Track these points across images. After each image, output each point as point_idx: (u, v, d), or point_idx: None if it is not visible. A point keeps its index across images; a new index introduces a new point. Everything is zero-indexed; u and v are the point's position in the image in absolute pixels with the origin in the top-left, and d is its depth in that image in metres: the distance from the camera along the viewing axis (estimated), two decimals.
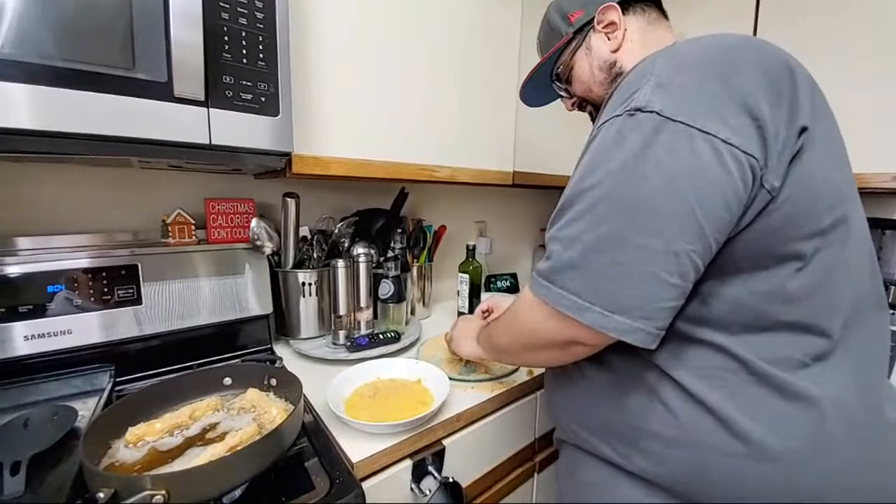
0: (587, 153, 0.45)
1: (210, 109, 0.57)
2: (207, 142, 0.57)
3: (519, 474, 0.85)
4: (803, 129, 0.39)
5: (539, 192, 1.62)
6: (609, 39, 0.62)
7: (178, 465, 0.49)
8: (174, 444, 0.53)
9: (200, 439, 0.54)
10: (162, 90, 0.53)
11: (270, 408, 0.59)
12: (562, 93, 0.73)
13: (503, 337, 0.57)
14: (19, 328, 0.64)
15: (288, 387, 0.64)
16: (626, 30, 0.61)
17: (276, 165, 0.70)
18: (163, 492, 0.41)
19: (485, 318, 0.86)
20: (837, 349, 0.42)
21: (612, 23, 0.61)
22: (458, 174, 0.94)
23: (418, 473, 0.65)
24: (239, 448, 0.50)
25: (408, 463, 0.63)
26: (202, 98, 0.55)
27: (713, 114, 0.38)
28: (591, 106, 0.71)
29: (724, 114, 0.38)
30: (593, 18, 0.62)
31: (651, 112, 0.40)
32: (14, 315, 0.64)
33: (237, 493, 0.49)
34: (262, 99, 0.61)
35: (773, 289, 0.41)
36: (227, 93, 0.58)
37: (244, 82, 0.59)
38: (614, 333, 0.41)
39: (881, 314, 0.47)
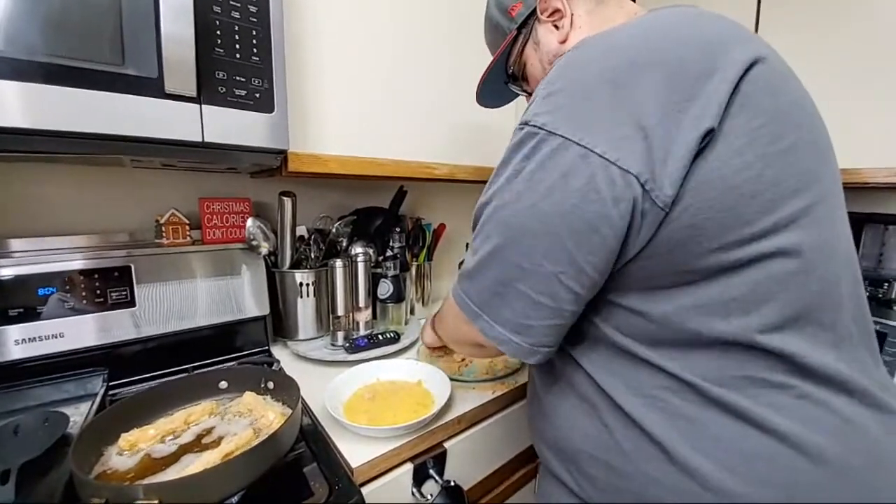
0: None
1: (202, 106, 0.55)
2: (200, 139, 0.56)
3: (521, 476, 0.84)
4: (709, 131, 0.34)
5: None
6: (557, 29, 0.54)
7: (173, 473, 0.48)
8: (168, 451, 0.51)
9: (196, 445, 0.53)
10: (153, 86, 0.52)
11: (267, 412, 0.57)
12: (520, 92, 0.68)
13: (441, 329, 0.60)
14: (10, 331, 0.63)
15: (285, 390, 0.62)
16: (572, 15, 0.53)
17: (272, 164, 0.69)
18: (156, 501, 0.39)
19: None
20: (800, 371, 0.36)
21: (557, 10, 0.53)
22: (458, 171, 0.93)
23: (419, 477, 0.63)
24: (234, 454, 0.49)
25: (408, 467, 0.62)
26: (194, 94, 0.54)
27: (595, 124, 0.36)
28: None
29: (608, 124, 0.36)
30: (535, 9, 0.55)
31: (534, 126, 0.39)
32: (4, 318, 0.62)
33: (234, 500, 0.47)
34: (257, 95, 0.60)
35: (704, 303, 0.37)
36: (220, 89, 0.57)
37: (238, 78, 0.58)
38: (494, 342, 0.43)
39: (861, 327, 0.41)
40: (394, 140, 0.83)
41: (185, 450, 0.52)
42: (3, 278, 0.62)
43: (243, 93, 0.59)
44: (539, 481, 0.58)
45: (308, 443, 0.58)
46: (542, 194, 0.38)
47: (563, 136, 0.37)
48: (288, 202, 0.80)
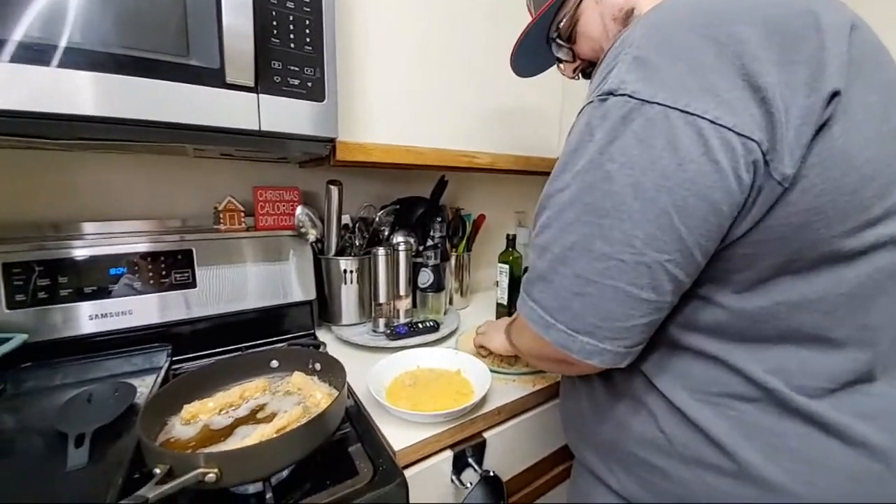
0: (565, 145, 0.40)
1: (259, 95, 0.57)
2: (257, 128, 0.58)
3: (560, 472, 0.83)
4: (834, 94, 0.30)
5: None
6: None
7: (229, 444, 0.50)
8: (225, 423, 0.54)
9: (250, 419, 0.55)
10: (214, 77, 0.54)
11: (315, 392, 0.59)
12: (562, 55, 0.59)
13: (520, 343, 0.52)
14: (86, 308, 0.68)
15: (331, 372, 0.64)
16: None
17: (321, 152, 0.70)
18: (215, 470, 0.41)
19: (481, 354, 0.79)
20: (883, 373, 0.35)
21: None
22: (499, 161, 0.91)
23: (459, 465, 0.64)
24: (287, 429, 0.51)
25: (448, 454, 0.62)
26: (252, 84, 0.56)
27: (701, 88, 0.31)
28: None
29: (717, 86, 0.31)
30: None
31: (623, 95, 0.33)
32: (80, 295, 0.68)
33: (284, 474, 0.49)
34: (309, 84, 0.61)
35: (809, 298, 0.34)
36: (275, 78, 0.58)
37: (292, 67, 0.59)
38: (578, 355, 0.37)
39: None
40: (435, 129, 0.83)
41: (239, 423, 0.54)
42: (79, 258, 0.68)
43: (297, 82, 0.60)
44: (574, 479, 0.56)
45: (353, 424, 0.59)
46: (643, 170, 0.32)
47: (662, 104, 0.32)
48: (335, 190, 0.82)
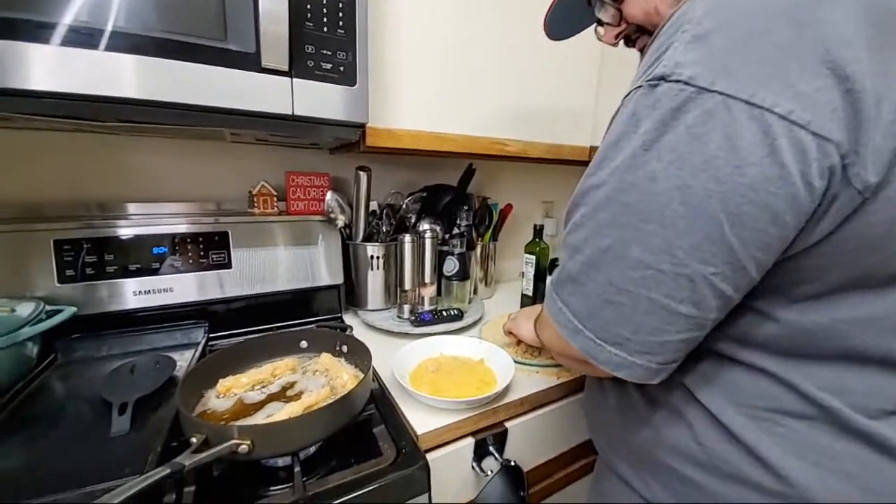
0: (606, 135, 0.36)
1: (293, 79, 0.58)
2: (290, 112, 0.59)
3: (582, 466, 0.82)
4: None
5: None
6: None
7: (260, 418, 0.52)
8: (258, 398, 0.56)
9: (281, 396, 0.57)
10: (250, 61, 0.55)
11: (342, 373, 0.61)
12: (606, 16, 0.51)
13: (543, 336, 0.50)
14: (130, 284, 0.72)
15: (358, 354, 0.65)
16: None
17: (352, 137, 0.71)
18: (248, 442, 0.43)
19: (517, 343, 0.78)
20: None
21: None
22: (530, 149, 0.89)
23: (480, 453, 0.64)
24: (314, 407, 0.52)
25: (470, 441, 0.63)
26: (286, 68, 0.56)
27: (773, 76, 0.26)
28: (645, 38, 0.50)
29: (792, 74, 0.26)
30: None
31: (677, 82, 0.28)
32: (126, 272, 0.72)
33: (311, 450, 0.51)
34: (341, 68, 0.61)
35: (880, 316, 0.30)
36: (308, 63, 0.59)
37: (324, 52, 0.60)
38: (605, 366, 0.34)
39: None
40: (465, 117, 0.82)
41: (271, 398, 0.56)
42: (124, 237, 0.72)
43: (329, 66, 0.60)
44: (597, 480, 0.54)
45: (377, 406, 0.60)
46: (694, 171, 0.28)
47: (723, 93, 0.27)
48: (364, 176, 0.83)
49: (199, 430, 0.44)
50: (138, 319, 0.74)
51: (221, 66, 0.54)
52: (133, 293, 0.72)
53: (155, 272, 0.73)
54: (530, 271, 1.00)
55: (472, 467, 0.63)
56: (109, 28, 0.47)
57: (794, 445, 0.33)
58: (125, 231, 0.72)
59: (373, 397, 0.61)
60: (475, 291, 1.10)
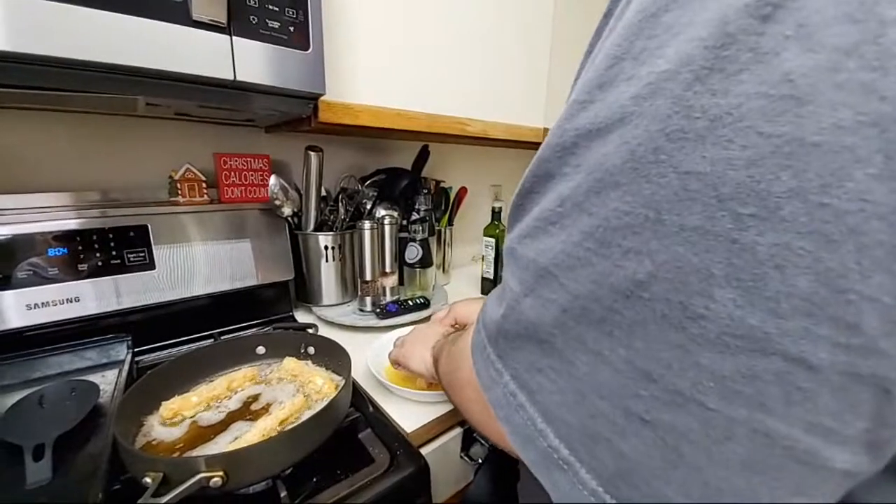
0: (604, 34, 0.19)
1: (233, 38, 0.49)
2: (232, 77, 0.49)
3: None
4: None
5: None
6: None
7: (225, 442, 0.44)
8: (217, 418, 0.48)
9: (245, 413, 0.49)
10: (175, 11, 0.45)
11: (314, 377, 0.54)
12: None
13: (456, 392, 0.35)
14: (16, 297, 0.57)
15: (328, 355, 0.59)
16: None
17: (302, 112, 0.62)
18: (220, 473, 0.36)
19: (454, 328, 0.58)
20: None
21: None
22: (490, 129, 0.87)
23: (467, 442, 0.62)
24: (291, 420, 0.46)
25: (458, 431, 0.60)
26: (224, 22, 0.47)
27: None
28: None
29: None
30: None
31: None
32: (7, 283, 0.56)
33: (288, 470, 0.44)
34: (291, 28, 0.53)
35: None
36: (251, 18, 0.49)
37: (270, 6, 0.51)
38: None
39: None
40: (425, 92, 0.77)
41: (233, 417, 0.48)
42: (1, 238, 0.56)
43: (276, 25, 0.51)
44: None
45: (357, 408, 0.55)
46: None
47: None
48: (315, 158, 0.74)
49: (152, 468, 0.36)
50: (36, 339, 0.59)
51: (136, 14, 0.42)
52: (26, 307, 0.57)
53: (53, 279, 0.59)
54: (490, 254, 0.99)
55: (461, 457, 0.61)
56: None
57: None
58: (1, 230, 0.56)
59: (351, 400, 0.55)
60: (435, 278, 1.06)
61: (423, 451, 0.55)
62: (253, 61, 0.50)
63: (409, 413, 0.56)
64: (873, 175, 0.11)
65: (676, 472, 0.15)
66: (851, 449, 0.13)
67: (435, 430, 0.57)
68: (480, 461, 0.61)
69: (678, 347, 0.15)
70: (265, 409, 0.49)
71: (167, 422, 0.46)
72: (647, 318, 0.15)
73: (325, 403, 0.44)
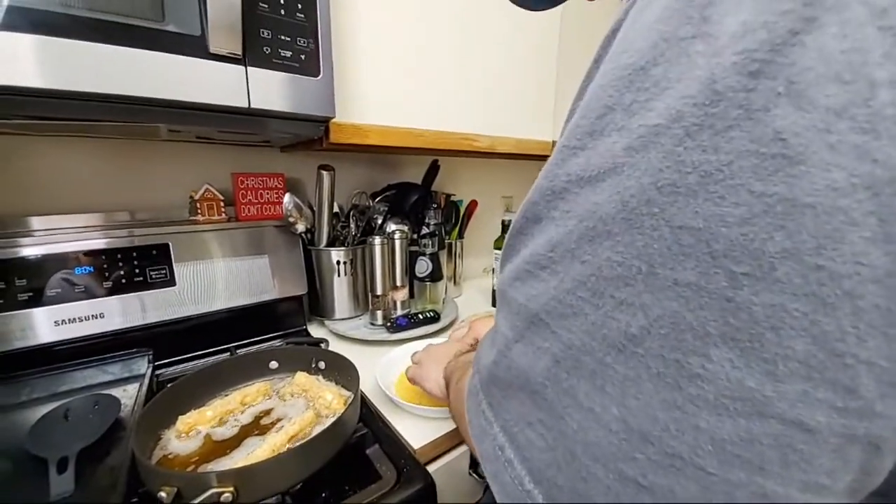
0: (596, 68, 0.18)
1: (248, 68, 0.51)
2: (247, 105, 0.52)
3: None
4: None
5: None
6: None
7: (238, 456, 0.46)
8: (230, 433, 0.49)
9: (256, 427, 0.50)
10: (195, 45, 0.47)
11: (324, 392, 0.55)
12: None
13: (460, 421, 0.34)
14: (46, 313, 0.60)
15: (337, 369, 0.60)
16: None
17: (314, 134, 0.64)
18: (231, 489, 0.37)
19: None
20: None
21: None
22: (498, 144, 0.88)
23: (475, 459, 0.62)
24: (300, 436, 0.47)
25: (466, 448, 0.60)
26: (239, 54, 0.50)
27: None
28: None
29: None
30: None
31: None
32: (38, 300, 0.59)
33: (297, 485, 0.45)
34: (302, 56, 0.55)
35: None
36: (264, 49, 0.52)
37: (283, 37, 0.53)
38: None
39: None
40: (433, 110, 0.78)
41: (246, 432, 0.49)
42: (32, 258, 0.59)
43: (288, 54, 0.54)
44: None
45: (366, 423, 0.56)
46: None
47: None
48: (327, 176, 0.76)
49: (167, 482, 0.37)
50: (63, 354, 0.62)
51: (159, 50, 0.45)
52: (54, 323, 0.60)
53: (80, 297, 0.62)
54: (500, 267, 0.99)
55: (470, 474, 0.61)
56: (5, 1, 0.38)
57: None
58: (36, 250, 0.59)
59: (360, 415, 0.56)
60: (445, 291, 1.07)
61: (431, 467, 0.55)
62: (266, 89, 0.53)
63: (418, 429, 0.56)
64: (868, 238, 0.12)
65: None
66: (837, 498, 0.14)
67: (443, 446, 0.57)
68: None
69: (676, 408, 0.14)
70: (275, 424, 0.51)
71: (183, 435, 0.48)
72: (641, 374, 0.15)
73: (334, 419, 0.45)
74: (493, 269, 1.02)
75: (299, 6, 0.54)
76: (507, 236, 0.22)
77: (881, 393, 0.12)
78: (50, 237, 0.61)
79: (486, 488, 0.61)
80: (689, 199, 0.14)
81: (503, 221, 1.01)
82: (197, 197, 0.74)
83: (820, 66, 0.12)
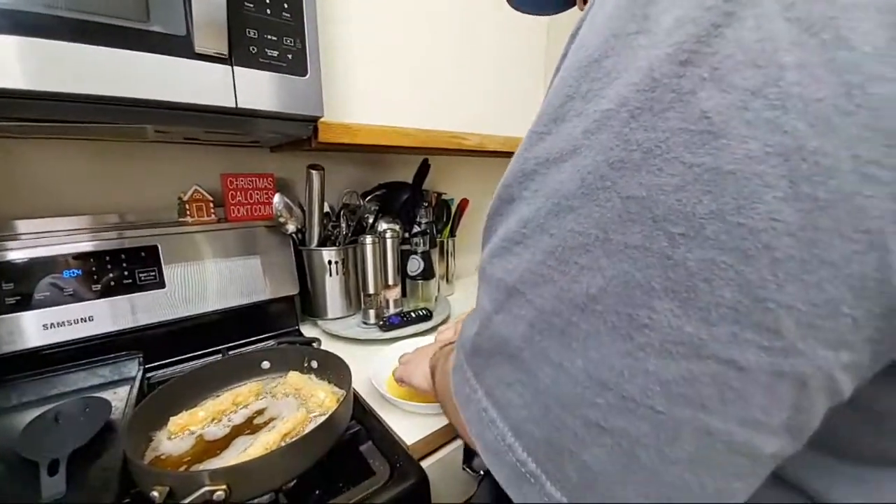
0: (563, 61, 0.20)
1: (234, 67, 0.51)
2: (233, 105, 0.52)
3: None
4: None
5: None
6: None
7: (229, 456, 0.46)
8: (222, 433, 0.49)
9: (248, 427, 0.51)
10: (181, 45, 0.47)
11: (316, 391, 0.55)
12: None
13: (446, 404, 0.36)
14: (35, 317, 0.60)
15: (330, 368, 0.60)
16: None
17: (302, 133, 0.64)
18: (223, 487, 0.37)
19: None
20: None
21: None
22: (488, 142, 0.89)
23: (469, 453, 0.62)
24: (293, 434, 0.47)
25: (459, 442, 0.61)
26: (225, 54, 0.50)
27: None
28: None
29: None
30: None
31: None
32: (27, 304, 0.59)
33: (290, 483, 0.46)
34: (289, 56, 0.55)
35: None
36: (251, 48, 0.52)
37: (269, 36, 0.53)
38: None
39: None
40: (422, 109, 0.79)
41: (238, 432, 0.50)
42: (19, 262, 0.59)
43: (275, 53, 0.54)
44: None
45: (359, 421, 0.56)
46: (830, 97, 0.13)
47: None
48: (316, 176, 0.76)
49: (160, 481, 0.37)
50: (52, 358, 0.61)
51: (143, 51, 0.45)
52: (43, 327, 0.60)
53: (68, 300, 0.61)
54: None
55: (463, 469, 0.61)
56: None
57: None
58: (20, 254, 0.59)
59: (353, 413, 0.57)
60: (437, 289, 1.07)
61: (425, 463, 0.56)
62: (253, 89, 0.53)
63: (411, 425, 0.57)
64: (780, 198, 0.13)
65: (635, 476, 0.16)
66: (777, 435, 0.15)
67: (436, 441, 0.57)
68: (483, 473, 0.61)
69: (628, 356, 0.16)
70: (268, 423, 0.51)
71: (174, 436, 0.48)
72: (599, 329, 0.17)
73: (326, 416, 0.46)
74: None
75: (285, 5, 0.54)
76: (486, 219, 0.23)
77: (801, 334, 0.14)
78: (37, 240, 0.61)
79: (480, 483, 0.61)
80: (635, 172, 0.15)
81: None
82: (186, 198, 0.74)
83: (738, 53, 0.13)
